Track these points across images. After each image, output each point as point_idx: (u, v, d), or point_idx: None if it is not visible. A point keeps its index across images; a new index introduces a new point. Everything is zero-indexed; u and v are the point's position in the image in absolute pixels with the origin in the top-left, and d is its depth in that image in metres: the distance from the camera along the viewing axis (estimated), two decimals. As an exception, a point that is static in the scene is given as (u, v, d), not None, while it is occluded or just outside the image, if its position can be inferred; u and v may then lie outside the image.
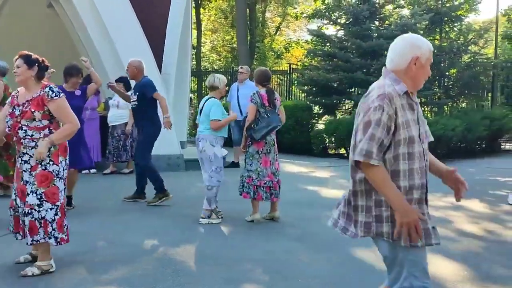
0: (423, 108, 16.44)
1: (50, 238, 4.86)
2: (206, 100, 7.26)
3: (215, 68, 34.21)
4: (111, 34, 11.72)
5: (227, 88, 9.08)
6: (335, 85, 16.54)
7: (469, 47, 18.16)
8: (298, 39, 36.43)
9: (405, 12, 18.54)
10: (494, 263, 5.70)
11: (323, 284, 4.93)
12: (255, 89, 12.18)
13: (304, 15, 29.46)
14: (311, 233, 6.74)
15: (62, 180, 4.90)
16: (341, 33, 17.69)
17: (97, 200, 8.57)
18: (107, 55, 11.74)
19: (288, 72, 22.65)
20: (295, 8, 34.70)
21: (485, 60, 18.62)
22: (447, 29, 18.81)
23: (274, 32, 36.85)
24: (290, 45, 36.01)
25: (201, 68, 30.84)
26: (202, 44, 33.20)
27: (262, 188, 7.06)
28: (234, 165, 12.39)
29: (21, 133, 4.85)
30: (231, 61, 33.95)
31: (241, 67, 13.02)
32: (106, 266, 5.28)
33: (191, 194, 9.29)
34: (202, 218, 7.07)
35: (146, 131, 8.17)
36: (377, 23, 17.01)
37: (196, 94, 24.02)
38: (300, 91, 19.81)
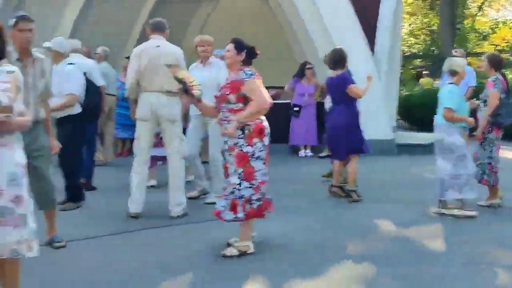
0: None
1: (239, 214, 5.04)
2: (444, 86, 6.91)
3: (414, 51, 33.50)
4: (326, 22, 12.02)
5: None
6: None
7: None
8: (506, 19, 34.31)
9: None
10: None
11: None
12: (471, 73, 11.96)
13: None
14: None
15: (260, 161, 5.05)
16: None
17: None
18: (321, 42, 12.03)
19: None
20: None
21: None
22: None
23: (476, 12, 35.06)
24: (497, 25, 34.01)
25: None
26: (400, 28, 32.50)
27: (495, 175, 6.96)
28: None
29: (221, 115, 5.13)
30: (430, 44, 33.03)
31: (455, 51, 12.67)
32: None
33: (405, 178, 9.29)
34: (446, 208, 6.71)
35: None
36: None
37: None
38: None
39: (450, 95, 6.60)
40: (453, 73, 6.75)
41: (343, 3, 12.13)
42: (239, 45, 5.18)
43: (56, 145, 5.43)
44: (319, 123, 11.23)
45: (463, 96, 6.93)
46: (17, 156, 3.46)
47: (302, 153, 11.71)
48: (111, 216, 6.61)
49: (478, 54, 23.92)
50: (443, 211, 6.68)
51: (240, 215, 5.04)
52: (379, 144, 11.57)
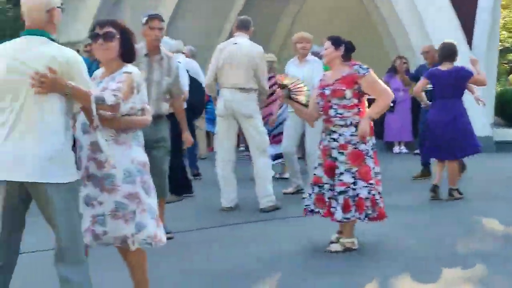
0: None
1: (361, 215, 4.89)
2: None
3: (507, 46, 32.25)
4: (422, 16, 11.77)
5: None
6: None
7: None
8: None
9: None
10: None
11: None
12: None
13: None
14: None
15: (371, 159, 4.92)
16: None
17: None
18: (417, 37, 11.77)
19: None
20: None
21: None
22: None
23: None
24: None
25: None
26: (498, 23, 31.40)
27: None
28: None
29: (331, 112, 4.94)
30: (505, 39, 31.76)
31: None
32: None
33: (506, 176, 8.90)
34: None
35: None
36: None
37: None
38: None
39: None
40: None
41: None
42: (337, 41, 5.07)
43: (189, 139, 5.64)
44: (414, 119, 10.96)
45: None
46: (134, 153, 3.52)
47: (396, 149, 11.52)
48: (209, 210, 6.72)
49: None
50: None
51: (360, 215, 4.90)
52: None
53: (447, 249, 5.21)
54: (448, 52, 7.23)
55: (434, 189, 7.17)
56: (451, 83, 7.09)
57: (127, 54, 3.59)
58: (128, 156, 3.48)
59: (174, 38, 8.50)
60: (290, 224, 6.10)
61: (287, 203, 6.79)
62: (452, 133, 7.03)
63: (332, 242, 5.11)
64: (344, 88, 4.89)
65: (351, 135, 4.88)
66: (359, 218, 4.92)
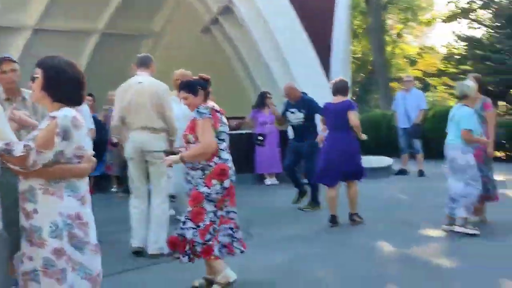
0: None
1: (183, 256, 4.79)
2: (459, 108, 7.01)
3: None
4: (282, 48, 12.27)
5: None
6: (492, 87, 16.34)
7: None
8: (432, 45, 36.07)
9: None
10: None
11: None
12: (421, 97, 12.51)
13: (439, 19, 29.14)
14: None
15: (212, 203, 4.78)
16: (488, 34, 17.58)
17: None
18: (279, 72, 12.23)
19: (421, 78, 22.62)
20: (422, 14, 34.39)
21: None
22: None
23: (395, 39, 36.65)
24: (423, 50, 35.61)
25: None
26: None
27: None
28: (402, 172, 12.58)
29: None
30: (355, 71, 34.14)
31: (407, 76, 13.19)
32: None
33: (382, 199, 9.49)
34: (457, 226, 6.84)
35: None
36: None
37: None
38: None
39: (468, 116, 6.81)
40: (465, 96, 6.97)
41: (300, 36, 12.39)
42: (192, 88, 4.94)
43: None
44: (283, 151, 11.31)
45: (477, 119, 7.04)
46: (65, 204, 3.25)
47: (268, 181, 11.76)
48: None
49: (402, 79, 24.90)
50: (454, 228, 6.85)
51: (184, 259, 4.80)
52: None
53: (350, 273, 5.43)
54: (342, 85, 7.73)
55: (333, 218, 7.55)
56: (342, 116, 7.51)
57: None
58: (56, 208, 3.22)
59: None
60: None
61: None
62: (341, 161, 7.46)
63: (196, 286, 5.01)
64: (187, 133, 4.87)
65: (199, 178, 4.80)
66: (178, 258, 4.84)
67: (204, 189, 4.75)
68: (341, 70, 12.97)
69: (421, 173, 12.25)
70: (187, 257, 4.77)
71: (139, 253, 6.28)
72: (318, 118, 8.59)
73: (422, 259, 5.93)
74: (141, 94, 6.29)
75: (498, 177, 9.51)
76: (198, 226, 4.74)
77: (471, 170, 6.83)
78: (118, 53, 15.25)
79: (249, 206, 8.72)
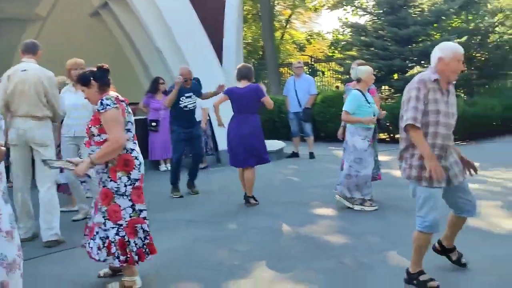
0: (456, 91, 17.03)
1: (114, 259, 4.57)
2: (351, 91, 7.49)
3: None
4: (175, 33, 12.25)
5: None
6: (375, 73, 17.03)
7: (497, 28, 18.73)
8: (319, 31, 37.00)
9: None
10: None
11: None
12: (311, 82, 12.94)
13: (325, 6, 29.99)
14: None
15: (126, 198, 4.56)
16: (372, 21, 18.36)
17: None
18: (169, 53, 12.21)
19: (310, 64, 23.25)
20: (309, 1, 35.19)
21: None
22: (474, 12, 19.38)
23: (285, 25, 37.33)
24: (311, 37, 36.46)
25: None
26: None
27: None
28: (294, 155, 12.98)
29: (90, 148, 4.68)
30: (246, 56, 34.50)
31: (298, 62, 13.56)
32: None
33: (278, 182, 9.82)
34: (354, 205, 7.36)
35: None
36: (410, 10, 17.53)
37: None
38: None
39: (351, 99, 7.25)
40: (359, 80, 7.38)
41: (192, 21, 12.40)
42: (84, 80, 4.74)
43: None
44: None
45: (366, 101, 7.35)
46: None
47: (163, 167, 11.77)
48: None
49: (291, 64, 25.47)
50: (349, 205, 7.37)
51: (118, 259, 4.57)
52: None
53: (251, 253, 5.64)
54: (246, 72, 7.98)
55: (246, 197, 7.96)
56: (248, 100, 7.81)
57: None
58: None
59: None
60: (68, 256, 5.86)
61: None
62: (249, 145, 7.76)
63: (101, 276, 4.99)
64: (90, 126, 4.63)
65: (102, 171, 4.62)
66: (112, 262, 4.64)
67: (111, 184, 4.56)
68: (234, 55, 13.18)
69: (311, 156, 12.71)
70: (114, 258, 4.56)
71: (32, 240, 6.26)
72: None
73: (318, 236, 6.24)
74: (25, 81, 6.25)
75: (382, 158, 10.09)
76: (120, 225, 4.56)
77: (357, 153, 7.25)
78: (1, 37, 14.62)
79: (146, 191, 8.73)
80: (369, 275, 4.93)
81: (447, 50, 4.43)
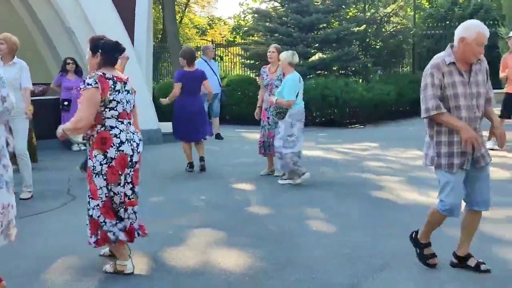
0: (354, 78, 17.99)
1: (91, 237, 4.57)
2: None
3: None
4: (86, 12, 12.23)
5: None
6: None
7: (391, 18, 19.78)
8: (220, 17, 37.29)
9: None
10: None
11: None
12: (217, 66, 13.39)
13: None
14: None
15: (101, 176, 4.45)
16: (274, 7, 18.94)
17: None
18: (82, 34, 12.18)
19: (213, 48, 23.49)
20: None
21: (407, 29, 20.15)
22: (370, 2, 20.44)
23: (184, 9, 37.38)
24: (213, 21, 36.70)
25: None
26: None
27: None
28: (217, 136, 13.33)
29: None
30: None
31: (210, 45, 13.92)
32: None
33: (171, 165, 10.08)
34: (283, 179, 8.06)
35: None
36: (313, -1, 18.22)
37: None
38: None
39: (292, 84, 7.70)
40: (292, 64, 7.83)
41: (105, 3, 12.43)
42: (94, 45, 4.60)
43: None
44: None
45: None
46: None
47: (75, 147, 11.74)
48: None
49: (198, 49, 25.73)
50: (287, 181, 7.96)
51: (92, 239, 4.56)
52: (147, 133, 12.14)
53: (169, 223, 6.00)
54: (193, 55, 9.10)
55: (191, 165, 9.16)
56: (197, 82, 8.98)
57: None
58: None
59: None
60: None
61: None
62: (196, 122, 8.87)
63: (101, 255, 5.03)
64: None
65: (88, 149, 4.59)
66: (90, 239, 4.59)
67: (89, 163, 4.48)
68: (145, 39, 13.30)
69: (219, 136, 13.19)
70: (94, 238, 4.53)
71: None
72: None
73: (240, 208, 6.69)
74: None
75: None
76: (97, 205, 4.49)
77: (284, 132, 7.75)
78: None
79: (66, 171, 8.97)
80: (294, 240, 5.41)
81: (470, 31, 4.15)
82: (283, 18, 18.02)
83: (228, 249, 5.17)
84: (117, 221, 4.58)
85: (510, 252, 4.91)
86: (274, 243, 5.30)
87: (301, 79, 7.87)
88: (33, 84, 7.59)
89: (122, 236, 4.56)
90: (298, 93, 7.72)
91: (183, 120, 8.89)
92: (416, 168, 8.76)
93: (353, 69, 18.05)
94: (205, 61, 13.11)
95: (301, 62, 17.46)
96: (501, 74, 10.32)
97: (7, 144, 3.84)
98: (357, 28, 17.93)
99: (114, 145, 4.41)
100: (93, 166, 4.43)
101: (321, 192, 7.38)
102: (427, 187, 7.37)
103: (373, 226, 5.79)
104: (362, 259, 4.80)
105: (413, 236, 4.73)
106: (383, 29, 19.38)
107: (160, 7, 29.19)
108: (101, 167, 4.42)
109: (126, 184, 4.56)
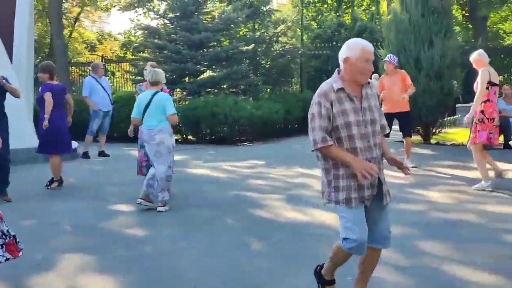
0: (244, 96, 18.14)
1: None
2: (154, 94, 7.38)
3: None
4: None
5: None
6: (168, 75, 17.49)
7: (280, 38, 20.16)
8: (110, 32, 36.58)
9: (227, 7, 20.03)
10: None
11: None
12: (106, 82, 13.14)
13: (116, 6, 29.81)
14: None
15: None
16: (164, 25, 18.83)
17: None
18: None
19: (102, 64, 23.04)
20: (101, 0, 34.74)
21: (295, 49, 20.63)
22: (259, 22, 20.75)
23: (73, 23, 36.45)
24: (103, 37, 35.95)
25: None
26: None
27: None
28: (103, 154, 13.01)
29: None
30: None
31: (99, 62, 13.62)
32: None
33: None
34: (160, 207, 7.34)
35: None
36: (202, 17, 18.25)
37: None
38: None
39: (171, 102, 7.44)
40: (157, 82, 7.60)
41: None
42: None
43: None
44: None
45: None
46: None
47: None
48: None
49: (83, 64, 25.22)
50: (157, 209, 7.35)
51: None
52: (27, 152, 11.65)
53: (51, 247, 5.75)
54: (51, 69, 9.14)
55: (60, 180, 9.19)
56: (61, 95, 9.11)
57: None
58: None
59: None
60: None
61: None
62: (64, 136, 9.08)
63: None
64: None
65: None
66: None
67: None
68: (25, 52, 12.82)
69: (104, 154, 12.93)
70: None
71: None
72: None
73: (116, 230, 6.50)
74: None
75: (176, 157, 10.60)
76: None
77: (172, 153, 7.57)
78: None
79: None
80: (170, 262, 5.31)
81: (353, 49, 3.84)
82: (172, 35, 17.92)
83: (99, 274, 5.00)
84: None
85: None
86: (148, 268, 5.17)
87: (158, 98, 7.35)
88: None
89: None
90: (145, 111, 7.34)
91: (54, 132, 8.97)
92: (298, 186, 8.90)
93: (242, 87, 18.22)
94: (95, 79, 12.87)
95: (191, 80, 17.52)
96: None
97: None
98: (246, 47, 18.12)
99: None
100: None
101: (202, 212, 7.32)
102: (305, 205, 7.50)
103: (249, 245, 5.79)
104: (238, 281, 4.77)
105: (317, 270, 4.31)
106: (272, 49, 19.72)
107: (47, 20, 28.31)
108: None
109: None
